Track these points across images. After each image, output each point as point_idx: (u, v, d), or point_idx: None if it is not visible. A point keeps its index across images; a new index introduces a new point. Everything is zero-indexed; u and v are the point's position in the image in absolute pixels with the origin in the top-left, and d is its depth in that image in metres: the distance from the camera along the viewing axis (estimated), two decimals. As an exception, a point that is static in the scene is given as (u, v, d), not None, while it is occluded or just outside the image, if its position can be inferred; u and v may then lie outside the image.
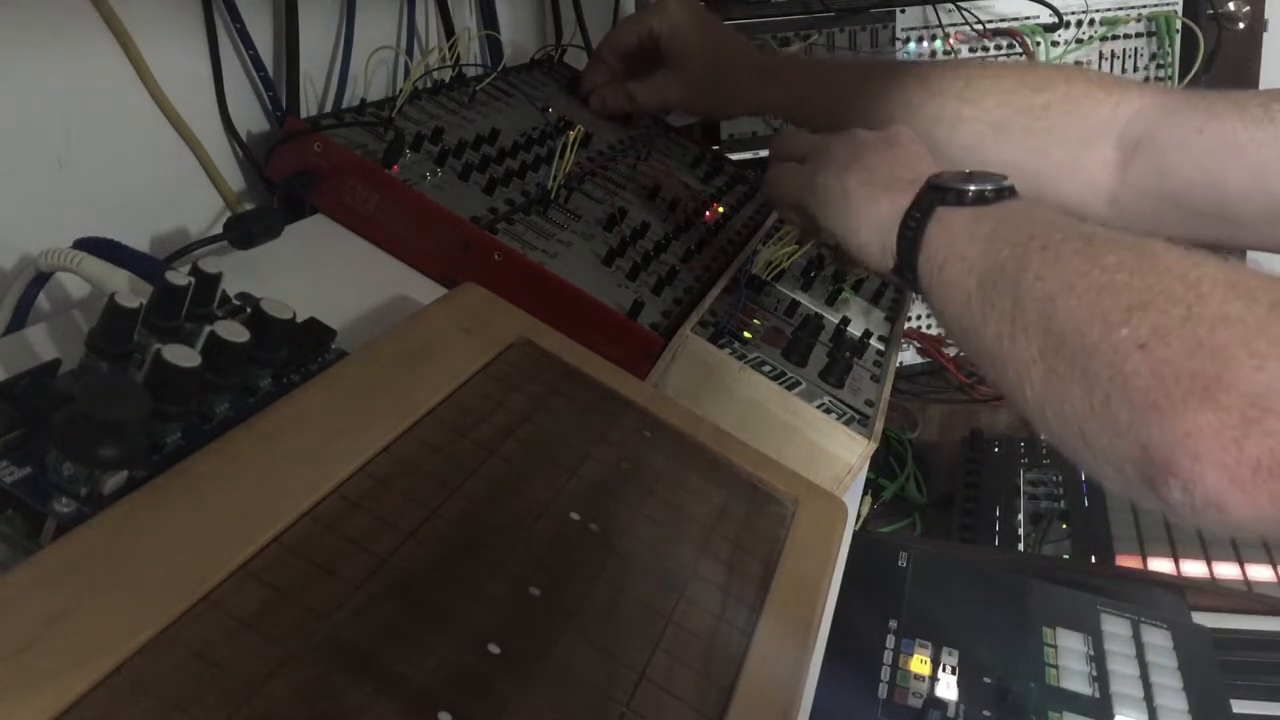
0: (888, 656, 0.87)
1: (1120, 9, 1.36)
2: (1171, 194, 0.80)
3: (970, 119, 0.86)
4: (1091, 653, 0.90)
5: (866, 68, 0.96)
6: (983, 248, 0.60)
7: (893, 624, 0.90)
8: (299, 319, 0.53)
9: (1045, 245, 0.57)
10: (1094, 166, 0.84)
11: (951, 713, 0.82)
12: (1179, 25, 1.36)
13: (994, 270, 0.58)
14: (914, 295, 0.78)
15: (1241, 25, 1.40)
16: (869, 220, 0.67)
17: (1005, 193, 0.63)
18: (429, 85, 0.88)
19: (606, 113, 1.01)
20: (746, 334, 0.71)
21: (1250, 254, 0.89)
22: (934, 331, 1.37)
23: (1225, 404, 0.46)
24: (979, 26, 1.31)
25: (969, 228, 0.62)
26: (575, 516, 0.49)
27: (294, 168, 0.73)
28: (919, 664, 0.86)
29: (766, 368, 0.68)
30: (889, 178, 0.67)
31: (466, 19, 1.12)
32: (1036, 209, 0.62)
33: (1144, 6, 1.36)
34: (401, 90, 0.83)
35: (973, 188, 0.63)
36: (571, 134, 0.81)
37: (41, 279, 0.55)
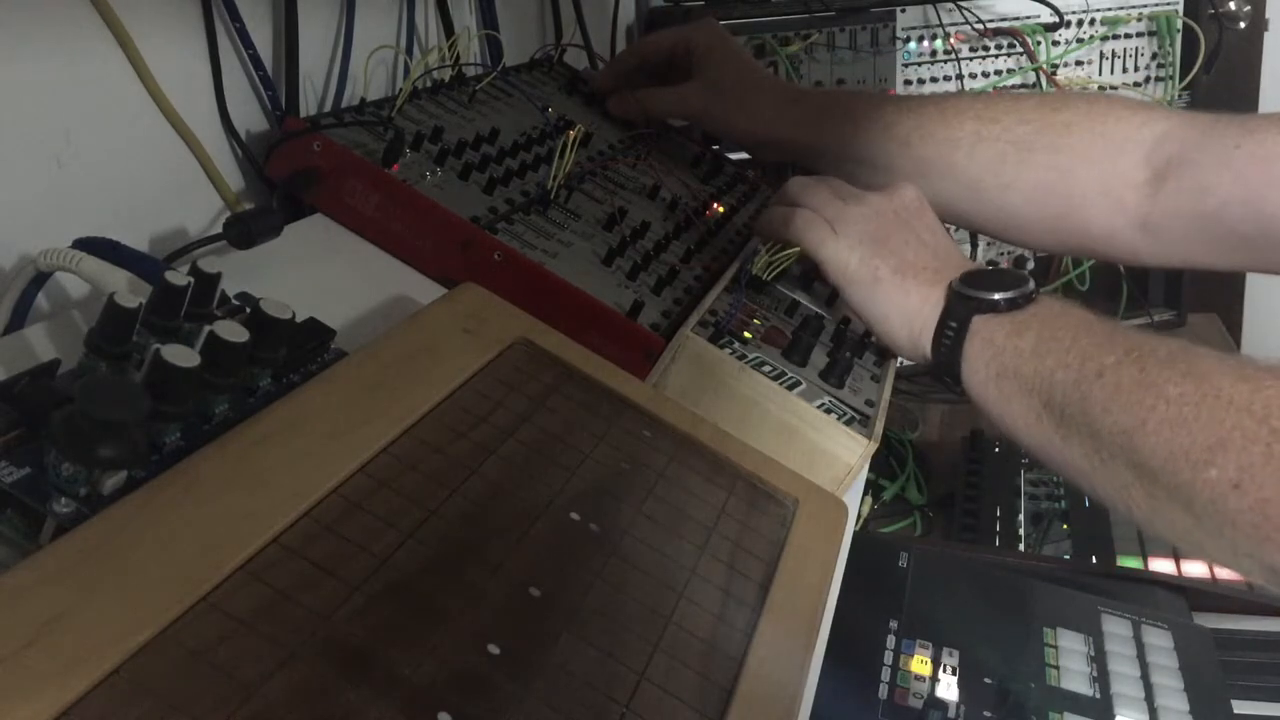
0: (888, 657, 0.87)
1: (1121, 8, 1.36)
2: (1209, 214, 0.78)
3: (991, 137, 0.86)
4: (1092, 653, 0.90)
5: (885, 96, 0.98)
6: (1033, 366, 0.63)
7: (893, 624, 0.90)
8: (299, 319, 0.53)
9: (1100, 372, 0.60)
10: (1123, 187, 0.83)
11: (952, 713, 0.82)
12: (1180, 25, 1.36)
13: (1056, 394, 0.61)
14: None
15: (1242, 25, 1.40)
16: (899, 309, 0.71)
17: (1032, 294, 0.67)
18: (429, 85, 0.88)
19: (623, 116, 1.01)
20: (746, 334, 0.71)
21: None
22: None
23: None
24: (979, 26, 1.31)
25: (1012, 341, 0.65)
26: (575, 516, 0.49)
27: (293, 167, 0.73)
28: (919, 664, 0.86)
29: (766, 368, 0.68)
30: (915, 264, 0.71)
31: (466, 18, 1.12)
32: (1069, 314, 0.65)
33: (1145, 6, 1.36)
34: (401, 90, 0.83)
35: (1001, 296, 0.66)
36: (571, 134, 0.81)
37: (41, 279, 0.55)
